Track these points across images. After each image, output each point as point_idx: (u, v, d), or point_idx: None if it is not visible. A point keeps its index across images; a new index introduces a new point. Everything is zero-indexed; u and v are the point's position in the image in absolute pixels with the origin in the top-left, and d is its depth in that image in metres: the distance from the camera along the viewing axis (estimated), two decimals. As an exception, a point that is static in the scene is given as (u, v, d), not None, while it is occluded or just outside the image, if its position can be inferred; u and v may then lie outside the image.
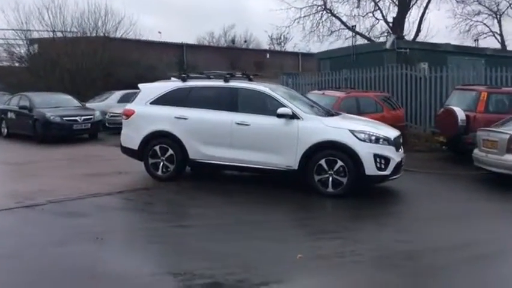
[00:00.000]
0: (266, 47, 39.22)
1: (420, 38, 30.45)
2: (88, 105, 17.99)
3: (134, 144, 9.23)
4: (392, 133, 8.35)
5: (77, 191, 8.15)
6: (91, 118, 15.48)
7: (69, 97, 16.95)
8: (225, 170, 9.37)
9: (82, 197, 7.82)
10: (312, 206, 7.80)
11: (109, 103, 18.76)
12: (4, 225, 6.44)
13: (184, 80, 9.26)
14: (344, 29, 31.89)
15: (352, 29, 31.92)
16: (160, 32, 32.08)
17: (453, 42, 23.55)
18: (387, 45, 15.27)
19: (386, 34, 32.15)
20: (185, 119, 8.85)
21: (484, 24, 35.97)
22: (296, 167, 8.19)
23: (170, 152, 8.94)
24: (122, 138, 9.58)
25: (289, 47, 36.46)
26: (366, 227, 6.71)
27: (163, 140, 9.03)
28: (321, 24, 31.65)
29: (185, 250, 5.53)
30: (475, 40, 32.19)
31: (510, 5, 36.03)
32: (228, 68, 30.32)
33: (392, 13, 31.24)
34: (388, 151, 8.00)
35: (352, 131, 7.99)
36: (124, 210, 7.34)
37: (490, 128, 9.92)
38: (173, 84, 9.39)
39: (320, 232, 6.37)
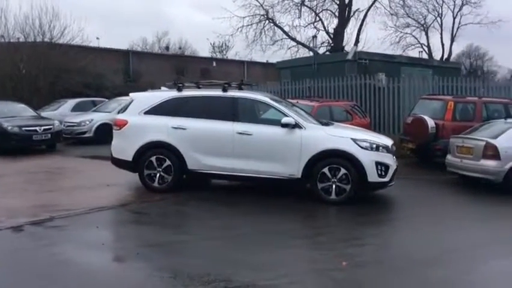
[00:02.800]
0: (203, 54, 39.29)
1: (358, 49, 31.79)
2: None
3: (128, 156, 8.99)
4: (389, 141, 8.76)
5: (77, 205, 7.81)
6: (51, 128, 14.76)
7: (23, 106, 16.04)
8: (225, 180, 9.34)
9: (86, 211, 7.52)
10: (321, 213, 8.01)
11: (63, 112, 18.06)
12: (22, 244, 6.06)
13: (179, 89, 9.15)
14: (286, 38, 32.69)
15: (294, 39, 32.80)
16: (98, 38, 31.08)
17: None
18: (350, 56, 15.89)
19: (326, 44, 33.36)
20: (183, 129, 8.76)
21: (413, 36, 38.22)
22: (299, 176, 8.37)
23: (168, 162, 8.80)
24: (113, 149, 9.28)
25: (231, 55, 36.71)
26: (386, 232, 7.01)
27: (159, 150, 8.87)
28: (263, 33, 32.25)
29: (229, 263, 5.48)
30: (419, 52, 34.07)
31: (436, 18, 38.71)
32: (174, 75, 30.02)
33: (332, 24, 32.45)
34: (387, 158, 8.39)
35: (354, 140, 8.29)
36: (140, 223, 7.12)
37: (464, 135, 10.66)
38: (168, 93, 9.25)
39: (347, 239, 6.58)
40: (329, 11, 32.31)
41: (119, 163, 9.28)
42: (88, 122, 16.60)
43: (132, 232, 6.67)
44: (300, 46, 32.56)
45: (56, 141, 15.20)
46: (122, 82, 25.64)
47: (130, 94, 9.70)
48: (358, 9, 32.24)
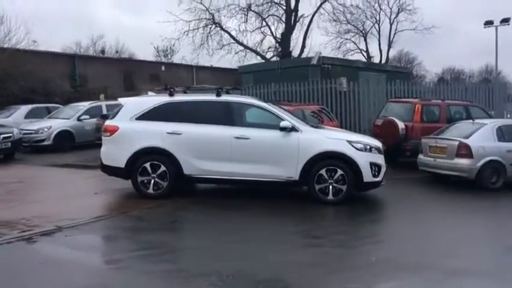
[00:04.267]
0: (140, 57, 38.51)
1: (304, 55, 32.59)
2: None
3: (120, 162, 8.80)
4: (378, 143, 9.13)
5: (77, 214, 7.53)
6: (11, 136, 14.03)
7: (-23, 113, 15.15)
8: (221, 184, 9.34)
9: (91, 220, 7.29)
10: (323, 213, 8.24)
11: (16, 119, 17.21)
12: (47, 255, 5.82)
13: (171, 94, 9.07)
14: (233, 43, 32.85)
15: (241, 43, 33.03)
16: (35, 41, 29.70)
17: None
18: (314, 61, 16.33)
19: (273, 49, 33.87)
20: (179, 134, 8.70)
21: (353, 41, 39.71)
22: (297, 178, 8.55)
23: (163, 168, 8.70)
24: (103, 156, 9.04)
25: (177, 59, 36.31)
26: (390, 228, 7.37)
27: (154, 156, 8.76)
28: (210, 38, 32.22)
29: (266, 263, 5.56)
30: (368, 57, 35.27)
31: (374, 24, 40.43)
32: (122, 80, 29.33)
33: (279, 29, 33.01)
34: (380, 159, 8.76)
35: (350, 142, 8.60)
36: (154, 230, 6.96)
37: (435, 135, 11.31)
38: (160, 99, 9.13)
39: (361, 237, 6.88)
40: (275, 16, 32.89)
41: (110, 170, 9.06)
42: (46, 130, 15.91)
43: (151, 239, 6.52)
44: (247, 51, 32.87)
45: (16, 150, 14.47)
46: (69, 87, 24.73)
47: (119, 99, 9.50)
48: (303, 14, 33.02)
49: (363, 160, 8.52)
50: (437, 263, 5.66)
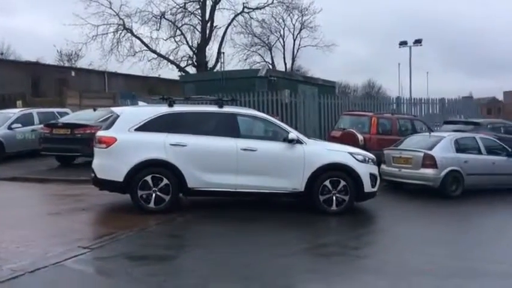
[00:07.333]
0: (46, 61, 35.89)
1: (218, 66, 32.76)
2: None
3: (118, 176, 8.23)
4: (372, 155, 9.56)
5: (86, 234, 6.99)
6: None
7: None
8: (225, 197, 9.09)
9: (113, 239, 6.69)
10: (336, 224, 8.53)
11: None
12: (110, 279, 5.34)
13: (171, 105, 8.70)
14: (146, 50, 32.02)
15: (154, 51, 32.30)
16: None
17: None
18: (262, 73, 16.55)
19: (186, 58, 33.57)
20: (183, 145, 8.37)
21: (259, 54, 40.66)
22: (302, 189, 8.66)
23: (165, 181, 8.29)
24: (98, 169, 8.38)
25: (83, 65, 34.32)
26: (414, 238, 7.72)
27: (156, 169, 8.32)
28: (119, 44, 31.14)
29: (324, 276, 5.67)
30: (296, 70, 36.05)
31: (278, 39, 41.79)
32: (29, 85, 27.04)
33: (195, 39, 32.83)
34: (376, 170, 9.20)
35: (351, 153, 8.92)
36: (187, 246, 6.73)
37: (396, 147, 12.11)
38: (160, 109, 8.69)
39: (394, 246, 7.21)
40: (190, 26, 32.65)
41: (105, 184, 8.45)
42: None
43: (198, 255, 6.22)
44: (161, 59, 32.23)
45: None
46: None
47: (113, 109, 8.87)
48: (216, 26, 33.23)
49: (364, 171, 8.86)
50: (486, 268, 6.09)
